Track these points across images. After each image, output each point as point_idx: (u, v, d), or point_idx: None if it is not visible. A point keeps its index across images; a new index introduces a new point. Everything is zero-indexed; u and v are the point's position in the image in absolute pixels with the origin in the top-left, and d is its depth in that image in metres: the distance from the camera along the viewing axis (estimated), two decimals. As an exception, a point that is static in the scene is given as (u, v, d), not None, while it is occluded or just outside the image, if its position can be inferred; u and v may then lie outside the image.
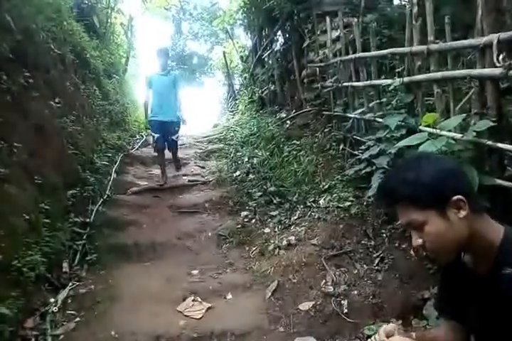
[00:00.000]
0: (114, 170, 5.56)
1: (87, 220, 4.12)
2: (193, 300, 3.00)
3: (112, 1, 8.97)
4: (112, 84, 8.18)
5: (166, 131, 5.37)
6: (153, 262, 3.70)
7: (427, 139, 2.28)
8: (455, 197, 1.02)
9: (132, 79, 11.37)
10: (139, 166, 6.39)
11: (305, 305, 2.74)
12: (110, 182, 5.14)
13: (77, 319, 2.76)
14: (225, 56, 12.66)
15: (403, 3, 5.71)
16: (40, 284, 3.02)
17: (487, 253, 1.06)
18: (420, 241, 1.07)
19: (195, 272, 3.49)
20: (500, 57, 1.99)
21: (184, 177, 5.82)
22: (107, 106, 7.13)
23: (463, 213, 1.02)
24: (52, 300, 2.95)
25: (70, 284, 3.21)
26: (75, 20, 6.53)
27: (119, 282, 3.29)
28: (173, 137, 5.49)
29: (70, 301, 3.00)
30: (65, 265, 3.44)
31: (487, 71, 2.14)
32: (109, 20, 8.89)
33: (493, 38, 2.04)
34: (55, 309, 2.87)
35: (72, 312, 2.85)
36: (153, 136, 5.44)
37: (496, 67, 2.01)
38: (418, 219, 1.05)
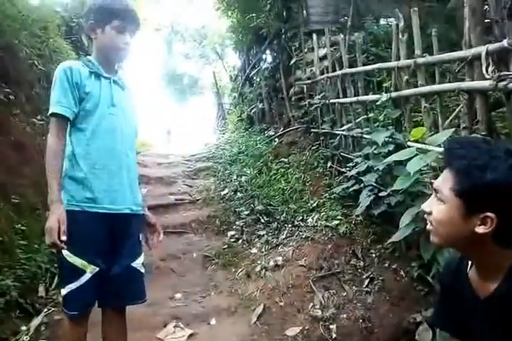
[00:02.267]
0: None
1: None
2: (175, 327, 2.82)
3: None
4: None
5: (116, 247, 1.80)
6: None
7: (416, 154, 2.21)
8: (489, 214, 0.90)
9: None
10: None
11: (292, 331, 2.58)
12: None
13: (49, 348, 2.57)
14: (214, 76, 12.73)
15: (389, 22, 5.78)
16: (12, 311, 2.82)
17: (495, 274, 0.98)
18: (428, 209, 1.02)
19: (178, 296, 3.31)
20: (490, 68, 1.94)
21: (171, 197, 5.67)
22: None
23: (482, 230, 0.92)
24: (23, 328, 2.76)
25: (45, 310, 3.01)
26: (62, 37, 6.49)
27: (96, 307, 3.10)
28: (133, 263, 1.84)
29: (43, 328, 2.80)
30: (41, 289, 3.24)
31: (476, 83, 2.09)
32: (97, 39, 8.88)
33: (482, 49, 2.00)
34: (26, 338, 2.67)
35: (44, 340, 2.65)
36: (73, 268, 1.67)
37: (486, 79, 1.96)
38: (444, 195, 0.97)
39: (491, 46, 1.93)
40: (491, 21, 2.04)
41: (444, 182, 0.98)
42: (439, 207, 0.99)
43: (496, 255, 0.96)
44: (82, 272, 1.67)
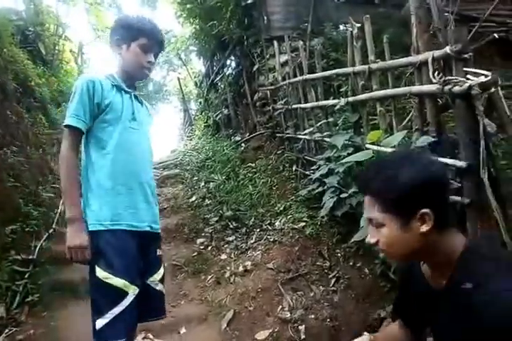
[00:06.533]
0: (61, 202, 5.26)
1: (30, 257, 3.82)
2: (144, 338, 2.78)
3: (60, 28, 8.82)
4: (61, 112, 7.90)
5: (147, 264, 1.79)
6: (102, 298, 3.44)
7: (372, 156, 2.29)
8: (422, 211, 0.97)
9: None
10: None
11: (261, 334, 2.61)
12: (57, 215, 4.84)
13: (10, 370, 2.48)
14: (179, 82, 12.65)
15: (347, 28, 5.94)
16: (-29, 333, 2.73)
17: (445, 266, 1.03)
18: (374, 240, 1.05)
19: (147, 306, 3.27)
20: (436, 73, 2.05)
21: (138, 206, 5.60)
22: (55, 135, 6.84)
23: (425, 228, 0.98)
24: (-16, 349, 2.67)
25: (6, 331, 2.90)
26: (17, 47, 6.31)
27: (63, 324, 3.02)
28: (149, 280, 1.81)
29: (4, 350, 2.72)
30: (1, 309, 3.13)
31: (425, 87, 2.19)
32: (56, 47, 8.68)
33: (428, 55, 2.11)
34: (-13, 360, 2.58)
35: (6, 361, 2.57)
36: (114, 291, 1.57)
37: (433, 83, 2.07)
38: (378, 219, 1.02)
39: (436, 52, 2.04)
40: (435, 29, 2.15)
41: (371, 208, 1.03)
42: (381, 231, 1.03)
43: (443, 245, 1.01)
44: (125, 294, 1.58)
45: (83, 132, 1.67)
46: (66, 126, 1.65)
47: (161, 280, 1.85)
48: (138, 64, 1.77)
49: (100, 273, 1.57)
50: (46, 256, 3.90)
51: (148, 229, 1.76)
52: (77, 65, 10.75)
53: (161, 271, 1.86)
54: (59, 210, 4.99)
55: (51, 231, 4.42)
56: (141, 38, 1.75)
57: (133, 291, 1.59)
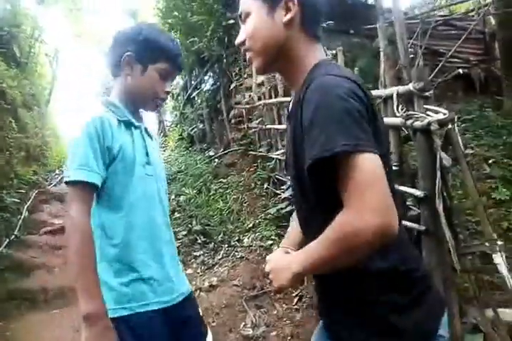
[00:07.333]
0: (26, 208, 5.15)
1: (-12, 264, 3.74)
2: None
3: (36, 30, 8.72)
4: (32, 116, 7.76)
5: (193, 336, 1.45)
6: (62, 310, 3.39)
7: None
8: None
9: (56, 112, 10.94)
10: (55, 203, 5.98)
11: (223, 351, 2.65)
12: (20, 222, 4.74)
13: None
14: (156, 93, 12.64)
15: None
16: None
17: (301, 79, 0.98)
18: (242, 38, 1.03)
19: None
20: (400, 108, 2.21)
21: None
22: (24, 140, 6.71)
23: (288, 16, 0.96)
24: None
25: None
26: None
27: (19, 334, 2.96)
28: None
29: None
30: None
31: (389, 120, 2.35)
32: (32, 50, 8.57)
33: (393, 90, 2.28)
34: None
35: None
36: None
37: (397, 116, 2.22)
38: (246, 9, 1.02)
39: (401, 88, 2.20)
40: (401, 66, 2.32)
41: (241, 4, 1.04)
42: (248, 22, 1.01)
43: (303, 49, 0.99)
44: None
45: (97, 187, 1.23)
46: (73, 182, 1.20)
47: None
48: (152, 93, 1.39)
49: None
50: (6, 264, 3.82)
51: (180, 298, 1.39)
52: (52, 68, 10.63)
53: (210, 335, 1.50)
54: (22, 216, 4.90)
55: (13, 237, 4.33)
56: (161, 62, 1.37)
57: None
